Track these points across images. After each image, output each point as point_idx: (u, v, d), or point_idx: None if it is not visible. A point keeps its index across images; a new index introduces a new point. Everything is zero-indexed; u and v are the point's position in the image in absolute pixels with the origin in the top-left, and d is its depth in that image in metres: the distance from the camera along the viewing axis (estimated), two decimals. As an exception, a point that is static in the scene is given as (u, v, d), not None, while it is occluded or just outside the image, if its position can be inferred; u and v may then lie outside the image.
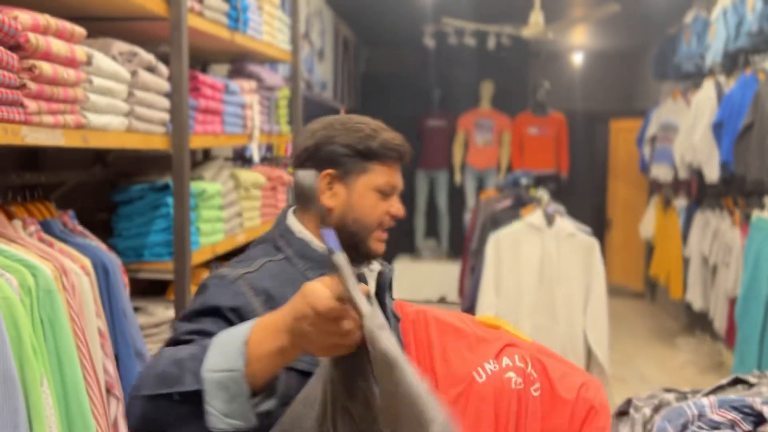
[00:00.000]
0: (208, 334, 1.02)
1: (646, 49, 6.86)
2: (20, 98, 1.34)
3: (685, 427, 1.30)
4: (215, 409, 0.93)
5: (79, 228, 1.77)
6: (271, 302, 1.11)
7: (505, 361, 1.43)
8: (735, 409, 1.29)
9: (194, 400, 0.94)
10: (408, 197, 7.32)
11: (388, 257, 5.36)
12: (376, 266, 1.31)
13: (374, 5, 5.94)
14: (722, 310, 4.38)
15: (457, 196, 7.16)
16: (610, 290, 7.44)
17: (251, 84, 2.67)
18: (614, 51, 7.47)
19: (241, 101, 2.53)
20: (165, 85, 1.93)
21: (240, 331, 0.97)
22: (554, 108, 7.05)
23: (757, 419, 1.27)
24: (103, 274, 1.62)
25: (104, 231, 2.09)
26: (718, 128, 4.26)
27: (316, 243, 1.23)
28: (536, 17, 4.89)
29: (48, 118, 1.43)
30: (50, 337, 1.37)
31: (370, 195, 1.24)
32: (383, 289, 1.31)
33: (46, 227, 1.63)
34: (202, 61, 2.92)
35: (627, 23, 6.09)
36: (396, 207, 1.27)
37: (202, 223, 2.22)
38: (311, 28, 5.08)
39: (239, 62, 2.78)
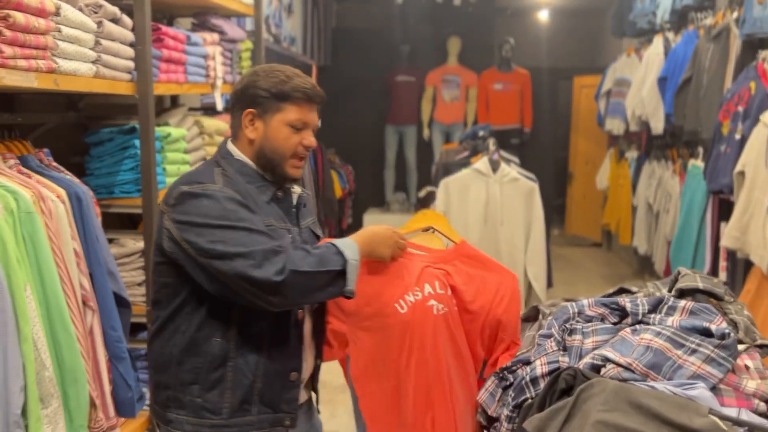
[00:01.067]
0: (259, 222, 1.48)
1: (609, 7, 7.05)
2: (-3, 44, 1.53)
3: (566, 321, 1.57)
4: (350, 279, 1.50)
5: (54, 164, 1.97)
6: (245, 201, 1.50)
7: (427, 289, 1.69)
8: (605, 306, 1.56)
9: (335, 275, 1.49)
10: (377, 152, 7.54)
11: (359, 210, 5.71)
12: (297, 189, 1.66)
13: (342, -40, 6.02)
14: (662, 252, 4.72)
15: (425, 150, 7.38)
16: (571, 241, 7.83)
17: (213, 36, 2.84)
18: (579, 8, 7.64)
19: (203, 52, 2.71)
20: (129, 35, 2.11)
21: (352, 240, 1.56)
22: (519, 64, 7.25)
23: (622, 313, 1.54)
24: (76, 203, 1.83)
25: (77, 173, 2.29)
26: (663, 82, 4.51)
27: (253, 166, 1.57)
28: (497, -26, 5.05)
29: (22, 63, 1.62)
30: (31, 252, 1.59)
31: (284, 129, 1.55)
32: (299, 207, 1.66)
33: (24, 162, 1.83)
34: (168, 15, 3.07)
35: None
36: (308, 139, 1.58)
37: (167, 165, 2.44)
38: (279, -18, 5.18)
39: (202, 15, 2.94)
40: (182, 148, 2.55)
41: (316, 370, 1.72)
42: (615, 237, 6.83)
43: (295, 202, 1.65)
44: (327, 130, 6.90)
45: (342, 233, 6.11)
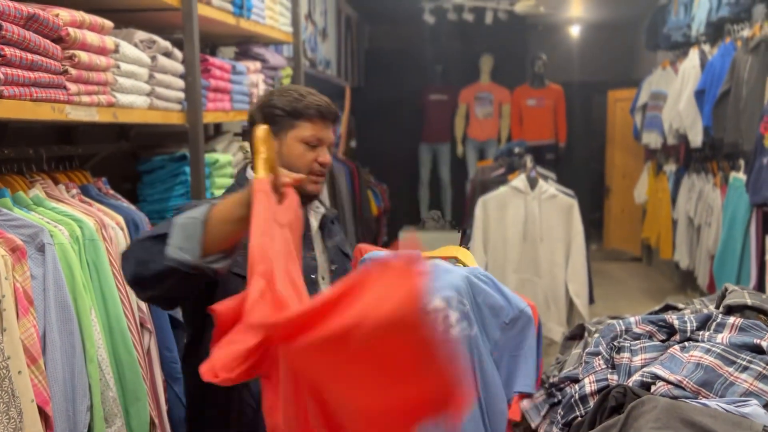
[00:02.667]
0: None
1: (642, 20, 7.03)
2: (64, 82, 1.63)
3: (614, 339, 1.58)
4: (174, 242, 1.27)
5: (111, 192, 2.07)
6: None
7: None
8: (652, 323, 1.57)
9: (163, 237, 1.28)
10: (412, 170, 7.60)
11: (394, 228, 5.68)
12: (321, 209, 1.67)
13: (374, -17, 6.15)
14: (704, 266, 4.64)
15: (459, 167, 7.41)
16: (610, 255, 7.74)
17: (256, 64, 2.94)
18: (610, 22, 7.63)
19: (247, 80, 2.81)
20: (180, 68, 2.21)
21: (210, 202, 1.33)
22: (552, 80, 7.26)
23: (670, 330, 1.54)
24: (134, 228, 1.92)
25: (129, 198, 2.39)
26: (700, 95, 4.48)
27: None
28: (528, -8, 5.10)
29: (85, 98, 1.72)
30: (95, 278, 1.68)
31: (298, 146, 1.55)
32: (325, 227, 1.65)
33: (84, 191, 1.93)
34: (211, 44, 3.19)
35: (621, -5, 6.27)
36: (323, 156, 1.57)
37: (215, 189, 2.52)
38: (314, 8, 5.31)
39: (245, 45, 3.05)
40: (229, 173, 2.64)
41: None
42: (655, 251, 6.74)
43: (317, 223, 1.64)
44: (361, 150, 7.01)
45: (378, 252, 6.14)
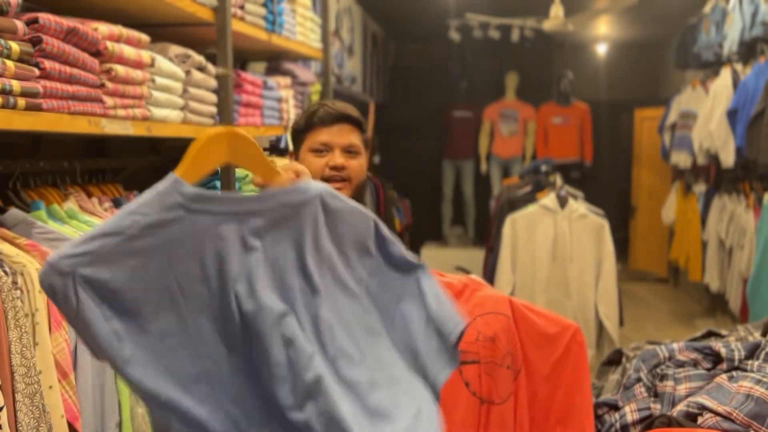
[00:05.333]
0: None
1: (669, 39, 6.96)
2: (100, 95, 1.63)
3: (656, 366, 1.53)
4: None
5: (143, 206, 2.06)
6: None
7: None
8: (697, 350, 1.51)
9: None
10: (435, 186, 7.57)
11: (416, 244, 5.65)
12: None
13: (401, 1, 6.17)
14: (737, 290, 4.53)
15: (483, 184, 7.36)
16: (635, 276, 7.62)
17: (286, 80, 2.94)
18: (638, 41, 7.57)
19: (277, 96, 2.81)
20: (213, 82, 2.21)
21: None
22: (578, 98, 7.20)
23: (716, 359, 1.49)
24: (164, 243, 1.91)
25: (159, 211, 2.39)
26: (733, 115, 4.40)
27: None
28: (556, 10, 5.07)
29: (121, 112, 1.72)
30: (126, 292, 1.66)
31: (308, 157, 1.55)
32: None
33: (117, 204, 1.93)
34: (242, 60, 3.20)
35: (649, 13, 6.21)
36: (332, 160, 1.52)
37: (244, 204, 2.51)
38: (341, 25, 5.34)
39: (275, 60, 3.06)
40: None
41: None
42: (682, 273, 6.61)
43: None
44: (385, 166, 7.01)
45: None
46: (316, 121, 1.54)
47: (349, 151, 1.55)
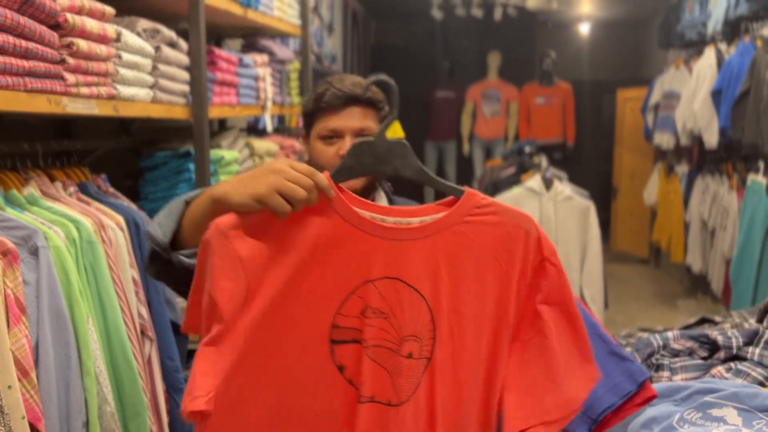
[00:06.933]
0: None
1: (653, 18, 6.91)
2: (61, 72, 1.51)
3: (650, 355, 1.47)
4: (157, 217, 1.13)
5: (111, 190, 1.95)
6: None
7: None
8: (693, 339, 1.46)
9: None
10: (417, 168, 7.48)
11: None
12: (383, 198, 1.51)
13: (382, -22, 6.04)
14: (719, 271, 4.53)
15: (465, 166, 7.30)
16: (617, 257, 7.64)
17: (263, 57, 2.83)
18: (621, 20, 7.51)
19: (254, 74, 2.69)
20: (185, 59, 2.10)
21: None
22: (561, 78, 7.14)
23: (712, 347, 1.43)
24: (135, 229, 1.81)
25: (130, 196, 2.28)
26: (717, 95, 4.36)
27: None
28: (540, -12, 4.98)
29: (84, 90, 1.60)
30: (93, 282, 1.56)
31: (317, 144, 1.44)
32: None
33: (82, 188, 1.82)
34: (216, 36, 3.07)
35: (633, -8, 6.15)
36: (343, 148, 1.38)
37: (220, 188, 2.40)
38: (320, 2, 5.20)
39: (252, 37, 2.93)
40: (234, 170, 2.52)
41: None
42: (663, 254, 6.62)
43: None
44: (366, 147, 6.88)
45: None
46: (323, 105, 1.42)
47: (362, 135, 1.38)
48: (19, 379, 1.30)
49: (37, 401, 1.33)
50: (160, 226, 1.09)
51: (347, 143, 1.38)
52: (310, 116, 1.46)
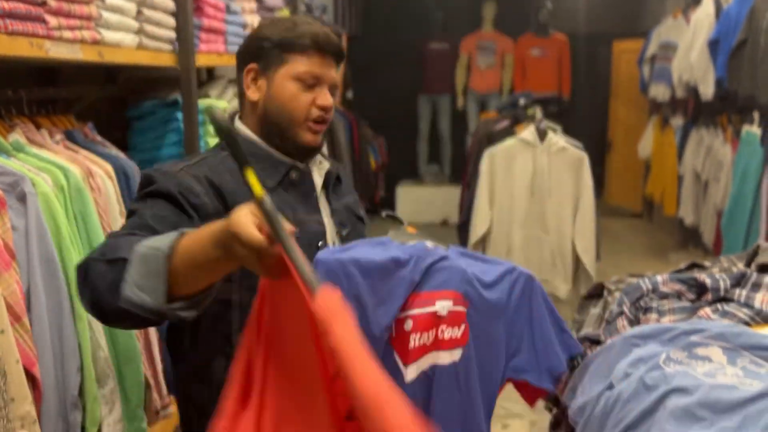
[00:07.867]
0: (163, 217, 1.14)
1: (651, -33, 6.77)
2: (42, 14, 1.47)
3: (639, 298, 1.49)
4: (131, 277, 0.98)
5: (99, 138, 1.93)
6: (214, 187, 1.22)
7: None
8: (681, 282, 1.47)
9: (118, 267, 1.00)
10: (410, 123, 7.42)
11: (392, 183, 5.55)
12: (325, 164, 1.39)
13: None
14: (711, 223, 4.56)
15: (459, 121, 7.24)
16: (610, 211, 7.67)
17: (251, 4, 2.76)
18: (619, -31, 7.35)
19: (242, 21, 2.63)
20: (170, 4, 2.05)
21: (179, 231, 1.01)
22: (557, 29, 7.03)
23: (700, 290, 1.45)
24: (123, 178, 1.79)
25: (118, 147, 2.25)
26: (714, 45, 4.30)
27: (260, 142, 1.32)
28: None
29: (67, 33, 1.56)
30: (83, 230, 1.56)
31: (290, 85, 1.26)
32: (329, 184, 1.38)
33: (69, 137, 1.80)
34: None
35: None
36: (322, 98, 1.27)
37: (210, 138, 2.38)
38: (311, -51, 5.05)
39: (240, -17, 2.85)
40: (224, 121, 2.49)
41: None
42: (656, 208, 6.64)
43: (322, 180, 1.36)
44: (358, 102, 6.81)
45: (375, 207, 6.03)
46: (304, 43, 1.26)
47: (333, 88, 1.32)
48: (12, 324, 1.30)
49: (31, 346, 1.34)
50: (141, 290, 0.97)
51: (327, 94, 1.30)
52: (280, 48, 1.26)
